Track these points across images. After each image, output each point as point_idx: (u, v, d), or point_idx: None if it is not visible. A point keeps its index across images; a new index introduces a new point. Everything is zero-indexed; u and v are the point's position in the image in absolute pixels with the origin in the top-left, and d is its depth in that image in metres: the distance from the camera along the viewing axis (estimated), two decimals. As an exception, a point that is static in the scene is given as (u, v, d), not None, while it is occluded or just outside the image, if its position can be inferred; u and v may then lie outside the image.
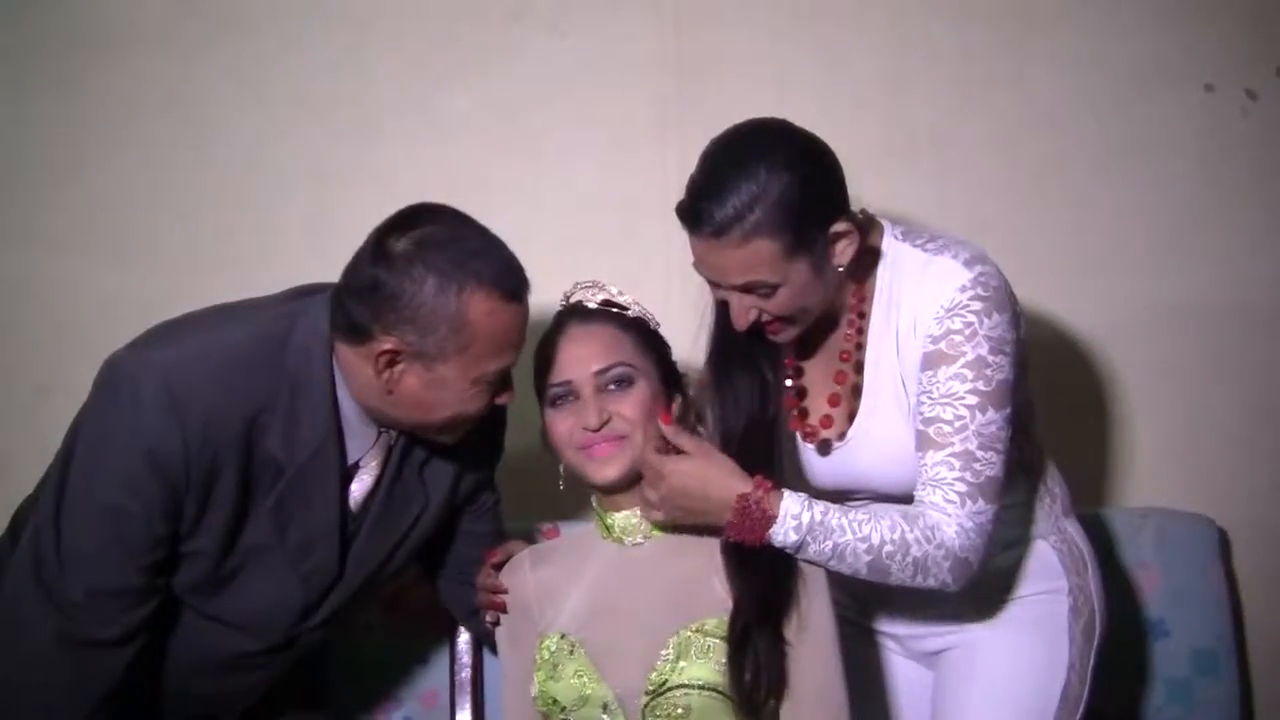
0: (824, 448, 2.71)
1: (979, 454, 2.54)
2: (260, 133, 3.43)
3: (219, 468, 2.49)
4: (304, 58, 3.43)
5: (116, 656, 2.54)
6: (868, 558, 2.51)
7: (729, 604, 2.49)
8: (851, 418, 2.68)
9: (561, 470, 2.63)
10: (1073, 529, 2.83)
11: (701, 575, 2.53)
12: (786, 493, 2.52)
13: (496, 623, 2.69)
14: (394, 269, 2.44)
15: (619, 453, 2.56)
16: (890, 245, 2.66)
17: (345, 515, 2.63)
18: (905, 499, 2.62)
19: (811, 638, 2.50)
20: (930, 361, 2.57)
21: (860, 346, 2.66)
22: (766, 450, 2.65)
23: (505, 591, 2.67)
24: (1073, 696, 2.72)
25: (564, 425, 2.58)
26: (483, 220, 2.54)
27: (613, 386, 2.57)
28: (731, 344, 2.68)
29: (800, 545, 2.50)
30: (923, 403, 2.56)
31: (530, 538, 2.93)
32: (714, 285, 2.60)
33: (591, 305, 2.64)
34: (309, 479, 2.56)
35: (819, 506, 2.51)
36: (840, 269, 2.57)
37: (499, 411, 2.68)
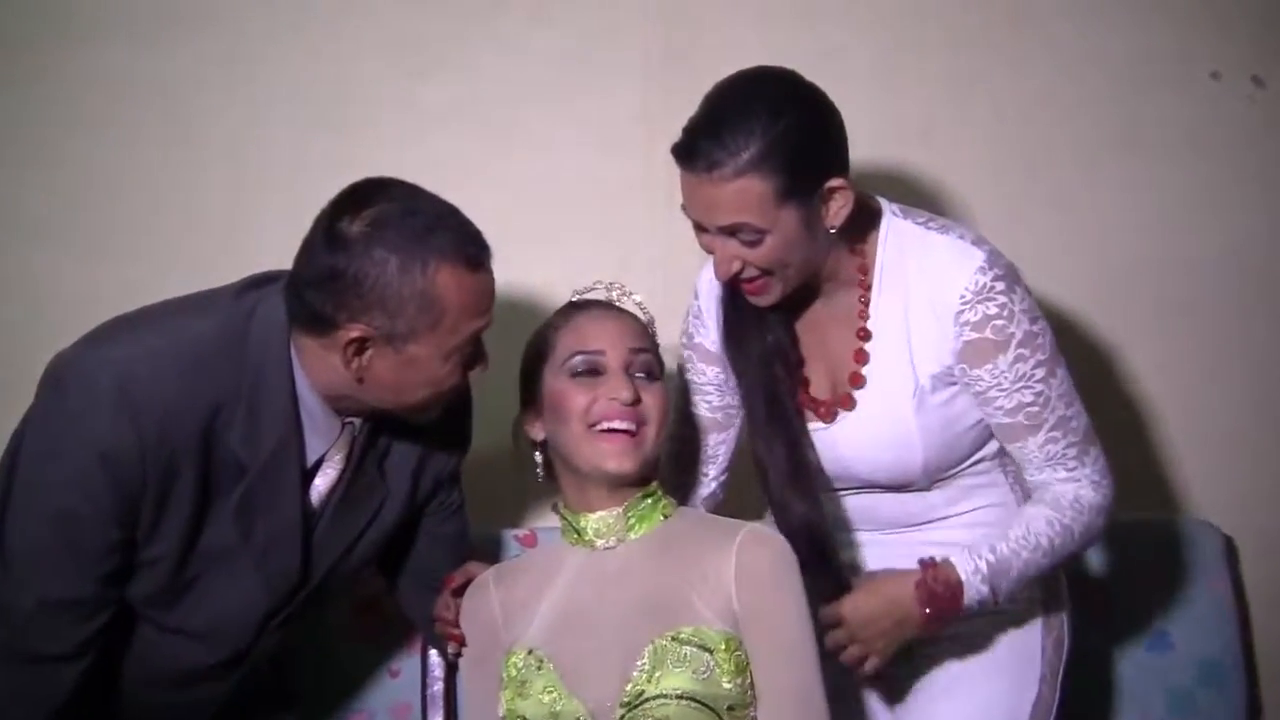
0: (830, 416, 2.72)
1: (1068, 412, 2.64)
2: (239, 124, 3.42)
3: (177, 469, 2.47)
4: (283, 48, 3.42)
5: (66, 672, 2.51)
6: (1048, 561, 2.63)
7: (710, 620, 2.47)
8: (849, 397, 2.71)
9: (538, 459, 2.61)
10: None
11: (680, 588, 2.51)
12: (951, 556, 2.59)
13: (458, 655, 2.67)
14: (352, 254, 2.42)
15: (637, 446, 2.54)
16: (890, 221, 2.69)
17: (308, 514, 2.61)
18: (890, 488, 2.70)
19: (787, 639, 2.49)
20: (982, 353, 2.61)
21: (868, 317, 2.69)
22: (793, 416, 2.70)
23: (458, 628, 2.64)
24: (1043, 709, 2.73)
25: (582, 397, 2.54)
26: (466, 213, 2.52)
27: (641, 374, 2.56)
28: (737, 311, 2.71)
29: (994, 593, 2.59)
30: (994, 398, 2.62)
31: (498, 547, 2.93)
32: (700, 230, 2.59)
33: (623, 305, 2.66)
34: (272, 477, 2.54)
35: (983, 549, 2.59)
36: (832, 230, 2.58)
37: (465, 401, 2.68)
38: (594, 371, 2.55)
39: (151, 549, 2.51)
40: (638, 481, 2.57)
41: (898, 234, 2.67)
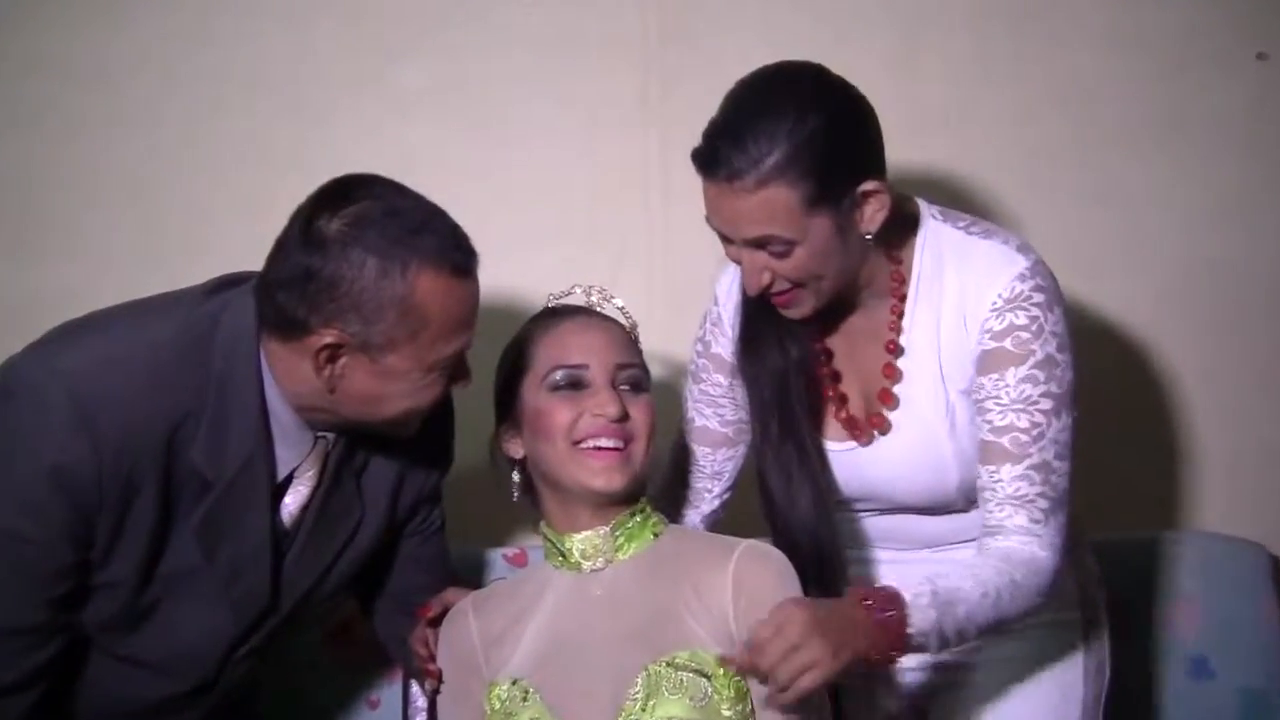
0: (868, 440, 2.66)
1: (1055, 464, 2.53)
2: (190, 111, 3.37)
3: (136, 485, 2.42)
4: (240, 25, 3.38)
5: (16, 704, 2.47)
6: (994, 615, 2.47)
7: (707, 643, 2.43)
8: (883, 416, 2.65)
9: (515, 479, 2.59)
10: (1087, 555, 2.80)
11: (674, 610, 2.47)
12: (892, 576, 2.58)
13: (436, 691, 2.62)
14: (328, 254, 2.38)
15: (625, 463, 2.50)
16: (929, 225, 2.62)
17: (278, 532, 2.57)
18: (923, 510, 2.65)
19: None
20: (994, 362, 2.53)
21: (900, 332, 2.63)
22: (807, 436, 2.64)
23: (434, 663, 2.60)
24: None
25: (565, 414, 2.50)
26: (443, 208, 2.49)
27: (626, 387, 2.53)
28: (758, 321, 2.65)
29: (939, 625, 2.40)
30: (989, 409, 2.53)
31: (486, 567, 2.92)
32: (725, 241, 2.54)
33: (604, 310, 2.62)
34: (239, 493, 2.50)
35: (924, 583, 2.43)
36: (868, 236, 2.52)
37: (446, 413, 2.66)
38: (577, 385, 2.53)
39: (107, 572, 2.47)
40: (625, 499, 2.53)
41: (937, 239, 2.60)
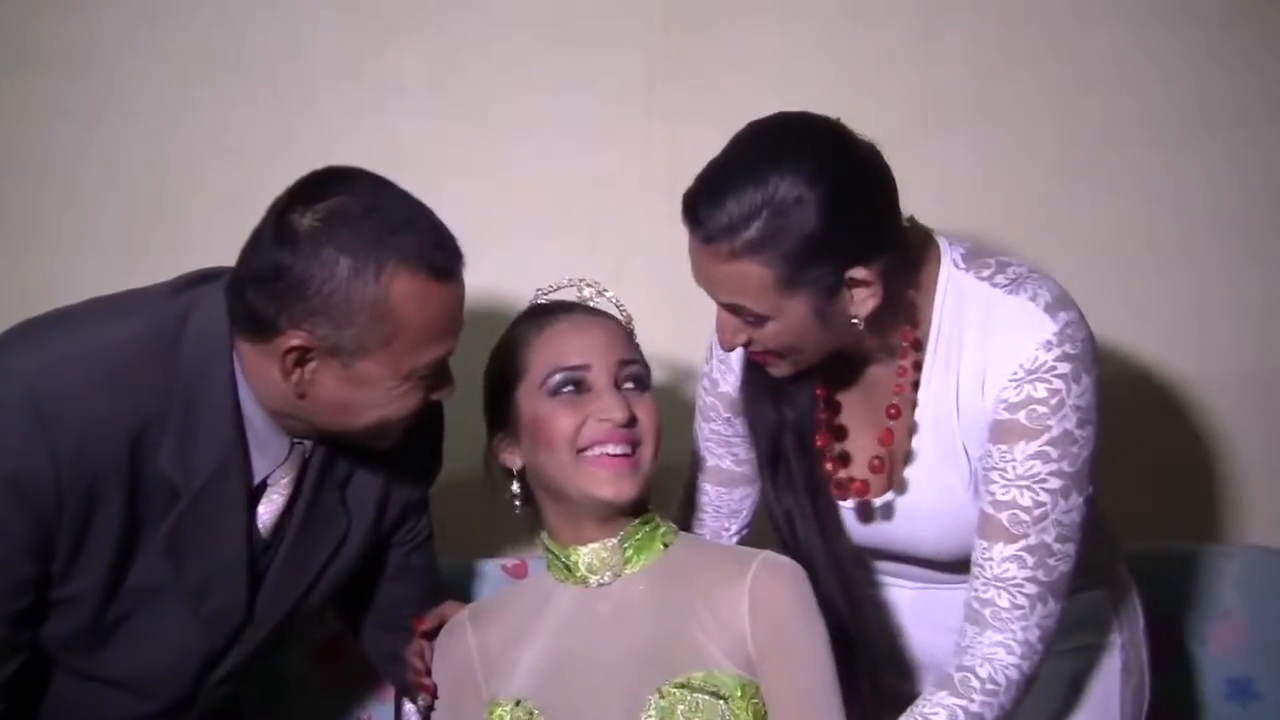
0: (864, 511, 2.61)
1: (1055, 546, 2.44)
2: (166, 97, 3.32)
3: (99, 494, 2.39)
4: (221, 6, 3.33)
5: None
6: None
7: (722, 663, 2.41)
8: (893, 478, 2.58)
9: (514, 490, 2.54)
10: (1124, 572, 2.76)
11: (687, 628, 2.45)
12: None
13: (430, 707, 2.59)
14: (299, 250, 2.34)
15: (634, 469, 2.47)
16: (950, 275, 2.51)
17: (253, 544, 2.54)
18: (952, 565, 2.58)
19: (809, 684, 2.43)
20: (1005, 434, 2.44)
21: (914, 405, 2.54)
22: (806, 490, 2.60)
23: (429, 678, 2.59)
24: None
25: (568, 420, 2.45)
26: (433, 203, 2.45)
27: (630, 386, 2.50)
28: (756, 369, 2.60)
29: None
30: (993, 480, 2.45)
31: (482, 580, 2.89)
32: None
33: (598, 305, 2.58)
34: (210, 503, 2.46)
35: None
36: (855, 322, 2.43)
37: (435, 415, 2.64)
38: (578, 388, 2.49)
39: (70, 586, 2.43)
40: (633, 508, 2.50)
41: (958, 292, 2.50)
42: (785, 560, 2.48)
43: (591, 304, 2.57)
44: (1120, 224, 3.36)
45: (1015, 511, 2.42)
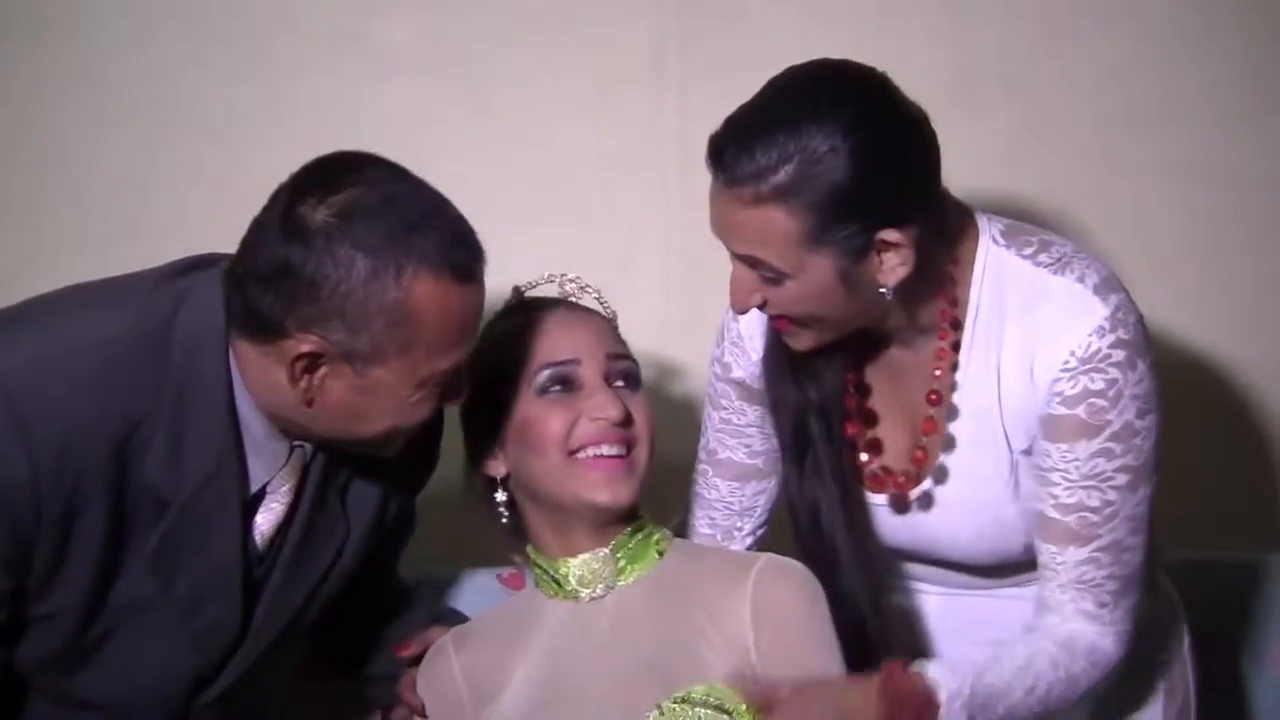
0: (899, 502, 2.57)
1: (1128, 541, 2.44)
2: (146, 67, 3.29)
3: (81, 503, 2.33)
4: None
5: None
6: (1039, 709, 2.43)
7: (720, 672, 2.37)
8: (929, 465, 2.55)
9: (499, 499, 2.51)
10: (1167, 584, 2.72)
11: (686, 639, 2.41)
12: (929, 665, 2.39)
13: None
14: (311, 248, 2.28)
15: (628, 470, 2.43)
16: (989, 251, 2.47)
17: (249, 556, 2.48)
18: (984, 570, 2.59)
19: (804, 644, 2.41)
20: (1064, 431, 2.41)
21: (952, 388, 2.50)
22: (836, 482, 2.55)
23: (422, 713, 2.56)
24: None
25: (559, 420, 2.42)
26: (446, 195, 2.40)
27: (621, 382, 2.46)
28: (778, 345, 2.55)
29: None
30: (1055, 483, 2.43)
31: (475, 591, 2.84)
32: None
33: (582, 302, 2.57)
34: (202, 512, 2.40)
35: (970, 674, 2.38)
36: (883, 291, 2.38)
37: (437, 416, 2.57)
38: (568, 386, 2.46)
39: (48, 602, 2.38)
40: (625, 515, 2.47)
41: (998, 270, 2.46)
42: (790, 561, 2.45)
43: (573, 300, 2.56)
44: (1168, 207, 3.34)
45: (1084, 514, 2.41)
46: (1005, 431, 2.46)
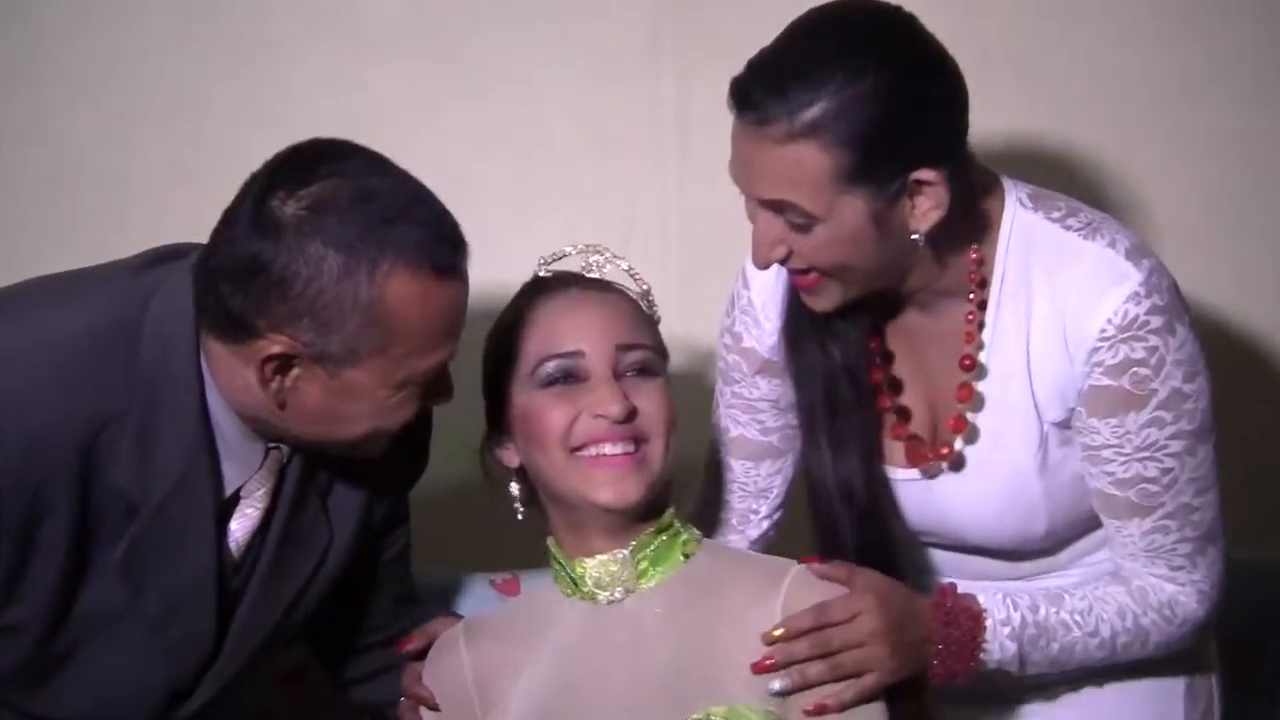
0: (933, 472, 2.54)
1: (1195, 502, 2.42)
2: (110, 48, 3.26)
3: (45, 509, 2.30)
4: None
5: None
6: (1100, 654, 2.44)
7: (743, 692, 2.30)
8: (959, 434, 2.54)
9: (515, 493, 2.45)
10: None
11: (710, 653, 2.34)
12: (984, 592, 2.42)
13: None
14: (281, 243, 2.25)
15: (639, 467, 2.35)
16: (1016, 213, 2.45)
17: (223, 564, 2.45)
18: (1006, 554, 2.57)
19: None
20: (1112, 404, 2.40)
21: (980, 346, 2.48)
22: (860, 452, 2.53)
23: (432, 704, 2.51)
24: None
25: (559, 415, 2.36)
26: (416, 169, 2.36)
27: (633, 373, 2.38)
28: (798, 307, 2.52)
29: (1021, 661, 2.39)
30: (1109, 460, 2.42)
31: (466, 598, 2.81)
32: (746, 196, 2.41)
33: (599, 275, 2.49)
34: (173, 518, 2.37)
35: (1025, 603, 2.42)
36: (915, 236, 2.35)
37: (425, 413, 2.56)
38: (571, 378, 2.40)
39: (9, 613, 2.35)
40: (647, 513, 2.39)
41: (1025, 232, 2.45)
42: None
43: (597, 275, 2.49)
44: (1193, 191, 3.29)
45: (1143, 486, 2.41)
46: (1035, 399, 2.45)
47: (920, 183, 2.32)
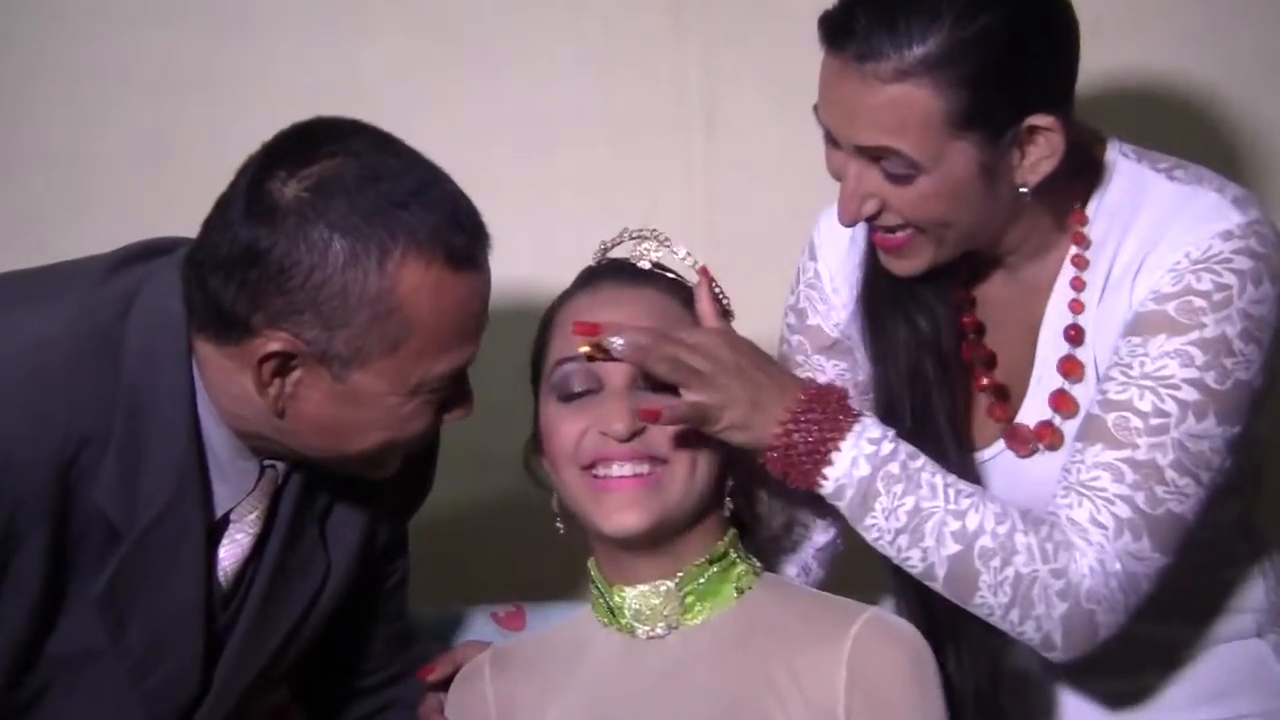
0: (1029, 453, 2.42)
1: (1169, 474, 2.23)
2: (79, 24, 3.18)
3: (18, 536, 2.23)
4: None
5: None
6: (955, 546, 2.22)
7: None
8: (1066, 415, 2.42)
9: (555, 505, 2.35)
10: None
11: (757, 699, 2.23)
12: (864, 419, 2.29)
13: None
14: (280, 228, 2.17)
15: (650, 491, 2.24)
16: (1119, 164, 2.37)
17: (212, 596, 2.37)
18: None
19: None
20: (1144, 325, 2.28)
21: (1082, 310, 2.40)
22: (949, 438, 2.40)
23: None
24: None
25: (569, 429, 2.28)
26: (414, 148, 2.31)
27: (644, 384, 2.28)
28: (880, 277, 2.44)
29: (867, 486, 2.22)
30: (1111, 378, 2.27)
31: (467, 632, 2.73)
32: (831, 144, 2.31)
33: (642, 265, 2.38)
34: (159, 544, 2.29)
35: (905, 446, 2.26)
36: (1023, 190, 2.26)
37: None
38: (588, 389, 2.31)
39: None
40: (699, 539, 2.30)
41: (1131, 185, 2.36)
42: (898, 623, 2.29)
43: (646, 265, 2.39)
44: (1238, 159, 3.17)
45: (1125, 414, 2.25)
46: (1095, 358, 2.36)
47: (1034, 129, 2.23)
